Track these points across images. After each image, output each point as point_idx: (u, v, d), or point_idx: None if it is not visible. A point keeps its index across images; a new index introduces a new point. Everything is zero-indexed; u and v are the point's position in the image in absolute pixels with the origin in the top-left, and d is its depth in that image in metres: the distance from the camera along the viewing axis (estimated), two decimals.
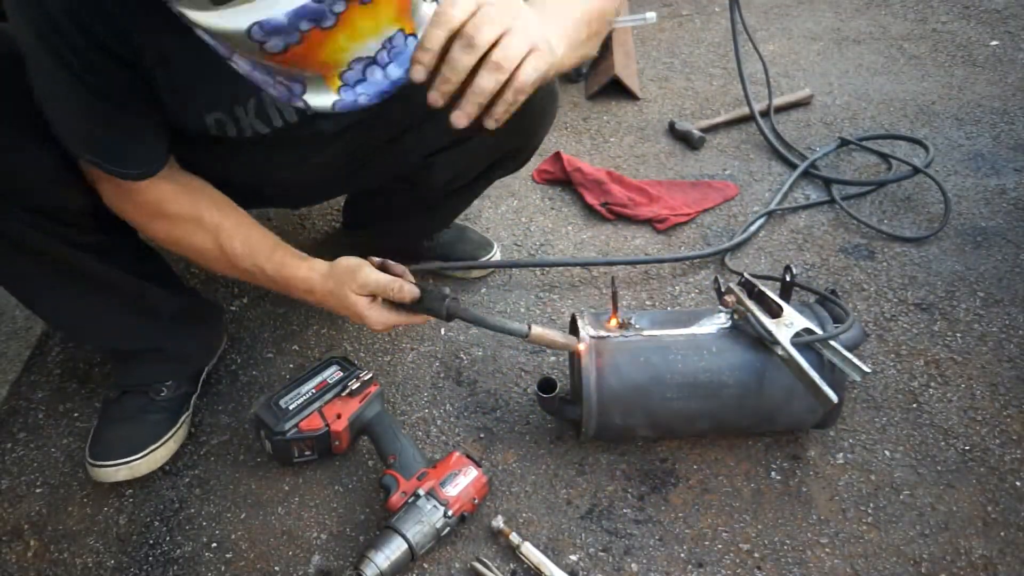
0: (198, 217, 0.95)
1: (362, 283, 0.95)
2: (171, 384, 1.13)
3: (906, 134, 1.79)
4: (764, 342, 0.99)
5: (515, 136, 1.15)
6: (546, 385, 1.06)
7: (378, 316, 0.98)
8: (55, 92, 0.80)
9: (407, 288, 0.96)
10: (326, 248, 1.53)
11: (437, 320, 1.00)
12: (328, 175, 1.15)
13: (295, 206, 1.50)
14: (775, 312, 1.00)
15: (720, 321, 1.06)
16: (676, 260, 1.47)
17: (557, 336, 0.99)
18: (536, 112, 1.11)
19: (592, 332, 1.04)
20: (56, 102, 0.82)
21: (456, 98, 0.71)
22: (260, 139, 0.96)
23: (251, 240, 0.97)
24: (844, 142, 1.76)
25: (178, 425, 1.13)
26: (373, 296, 0.97)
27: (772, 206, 1.58)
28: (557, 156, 1.74)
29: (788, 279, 1.06)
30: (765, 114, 1.91)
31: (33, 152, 0.85)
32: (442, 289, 1.00)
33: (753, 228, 1.52)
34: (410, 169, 1.18)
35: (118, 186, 0.89)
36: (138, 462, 1.07)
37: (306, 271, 0.98)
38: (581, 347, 1.01)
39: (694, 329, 1.05)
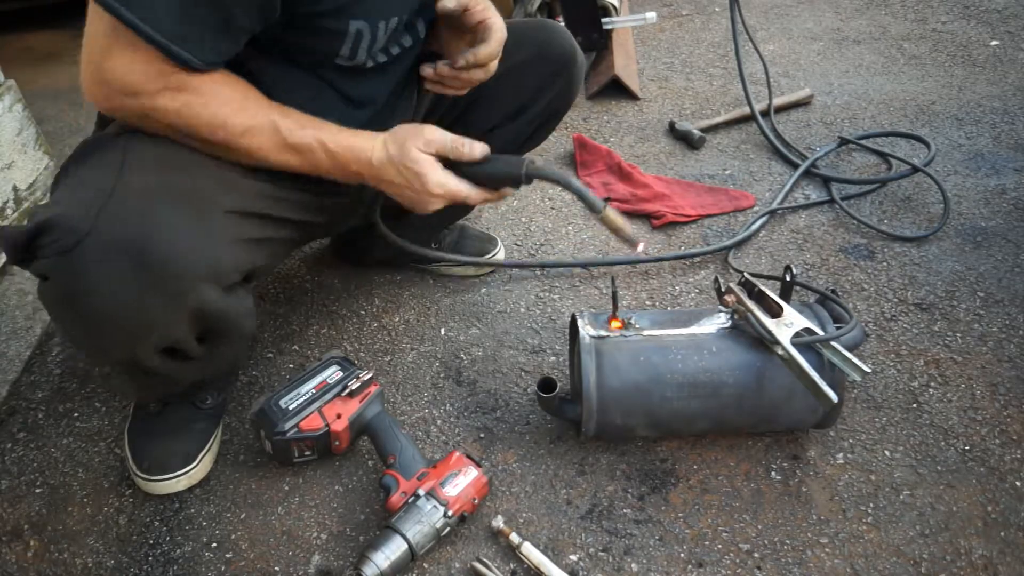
0: (245, 95, 0.87)
1: (428, 139, 0.92)
2: (215, 392, 1.13)
3: (906, 131, 1.79)
4: (764, 342, 0.99)
5: (560, 98, 1.24)
6: (546, 385, 1.06)
7: (444, 179, 0.93)
8: None
9: (477, 146, 0.93)
10: (323, 264, 1.53)
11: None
12: None
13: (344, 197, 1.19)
14: (775, 312, 1.00)
15: (720, 321, 1.06)
16: (677, 258, 1.47)
17: (626, 225, 0.95)
18: (576, 78, 1.24)
19: (592, 332, 1.04)
20: None
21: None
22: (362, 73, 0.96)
23: (303, 116, 0.91)
24: (844, 141, 1.76)
25: (219, 427, 1.14)
26: (439, 158, 0.94)
27: (774, 205, 1.58)
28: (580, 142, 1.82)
29: (788, 279, 1.06)
30: (765, 114, 1.92)
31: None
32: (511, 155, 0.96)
33: (755, 227, 1.52)
34: None
35: (161, 70, 0.79)
36: (194, 471, 1.07)
37: (366, 137, 0.93)
38: (640, 247, 0.98)
39: (694, 329, 1.05)
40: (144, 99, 0.81)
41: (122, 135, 0.87)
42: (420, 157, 0.92)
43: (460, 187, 0.95)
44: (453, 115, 1.20)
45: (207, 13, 0.76)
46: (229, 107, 0.85)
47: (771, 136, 1.81)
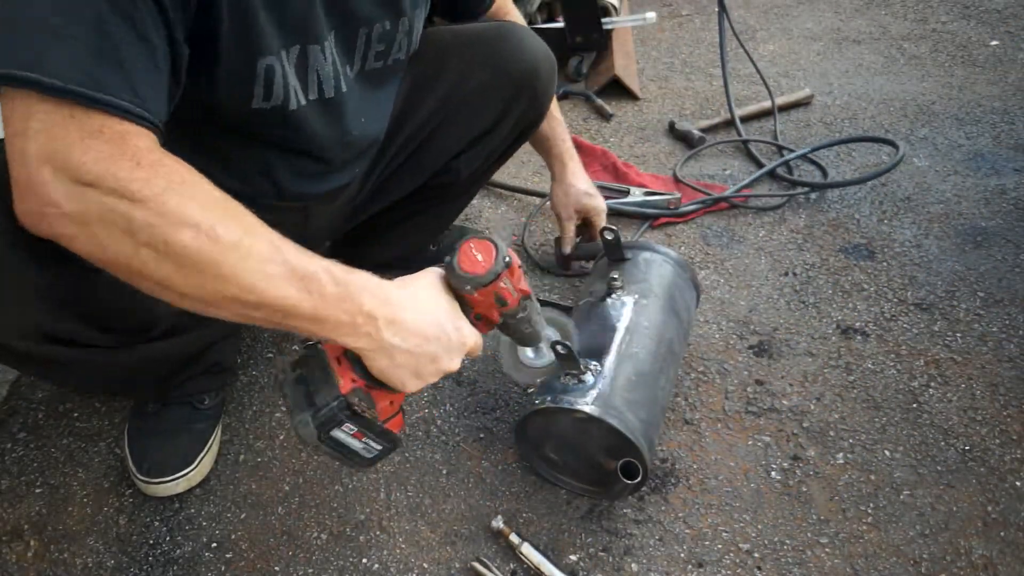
0: (233, 201, 0.64)
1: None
2: (213, 392, 1.13)
3: (874, 135, 1.80)
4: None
5: (526, 116, 1.18)
6: (629, 469, 0.93)
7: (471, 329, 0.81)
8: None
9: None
10: None
11: None
12: (352, 195, 1.11)
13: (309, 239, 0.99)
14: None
15: (621, 299, 1.08)
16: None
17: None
18: (542, 93, 1.16)
19: (587, 400, 0.94)
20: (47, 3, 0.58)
21: None
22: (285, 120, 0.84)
23: (299, 246, 0.68)
24: (814, 148, 1.73)
25: (218, 428, 1.14)
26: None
27: (727, 193, 1.63)
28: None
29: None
30: (767, 114, 1.92)
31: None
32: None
33: (691, 208, 1.59)
34: (434, 173, 1.19)
35: (122, 139, 0.60)
36: (193, 473, 1.07)
37: (372, 276, 0.72)
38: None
39: (624, 324, 1.05)
40: (100, 185, 0.57)
41: None
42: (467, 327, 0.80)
43: (479, 340, 0.83)
44: (413, 145, 1.14)
45: (120, 36, 0.60)
46: (212, 206, 0.62)
47: (767, 139, 1.81)
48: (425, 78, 1.10)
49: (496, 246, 0.79)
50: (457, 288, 0.79)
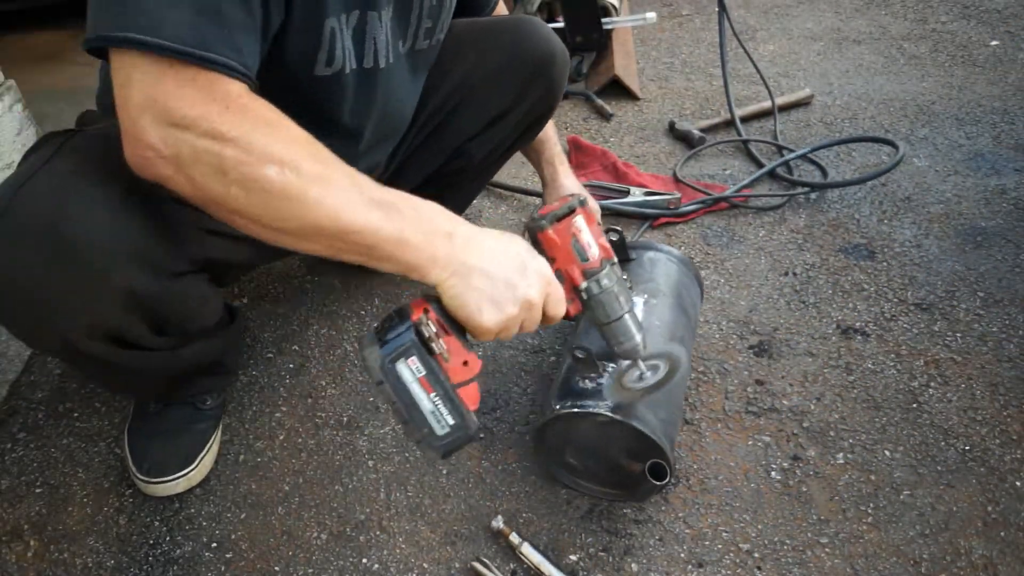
0: (311, 138, 0.70)
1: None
2: (215, 392, 1.13)
3: (874, 135, 1.80)
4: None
5: (541, 102, 1.19)
6: (657, 471, 0.91)
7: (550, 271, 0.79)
8: None
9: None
10: (323, 264, 1.53)
11: None
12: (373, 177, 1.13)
13: None
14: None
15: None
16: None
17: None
18: (556, 81, 1.19)
19: (607, 404, 0.92)
20: None
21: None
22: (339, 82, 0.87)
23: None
24: (814, 148, 1.74)
25: (218, 428, 1.14)
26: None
27: (726, 194, 1.63)
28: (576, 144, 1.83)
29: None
30: (767, 115, 1.92)
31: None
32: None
33: (691, 208, 1.59)
34: (448, 158, 1.22)
35: (212, 87, 0.65)
36: (193, 473, 1.07)
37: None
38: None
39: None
40: (193, 128, 0.64)
41: (75, 131, 0.83)
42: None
43: (556, 286, 0.80)
44: (431, 126, 1.17)
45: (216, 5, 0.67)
46: (295, 144, 0.67)
47: (774, 139, 1.81)
48: (445, 60, 1.12)
49: (571, 200, 0.83)
50: (534, 229, 0.80)
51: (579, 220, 0.82)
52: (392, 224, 0.69)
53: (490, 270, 0.73)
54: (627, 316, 0.88)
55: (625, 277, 0.89)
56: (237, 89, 0.67)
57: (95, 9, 0.66)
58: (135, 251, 0.77)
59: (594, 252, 0.82)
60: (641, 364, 0.92)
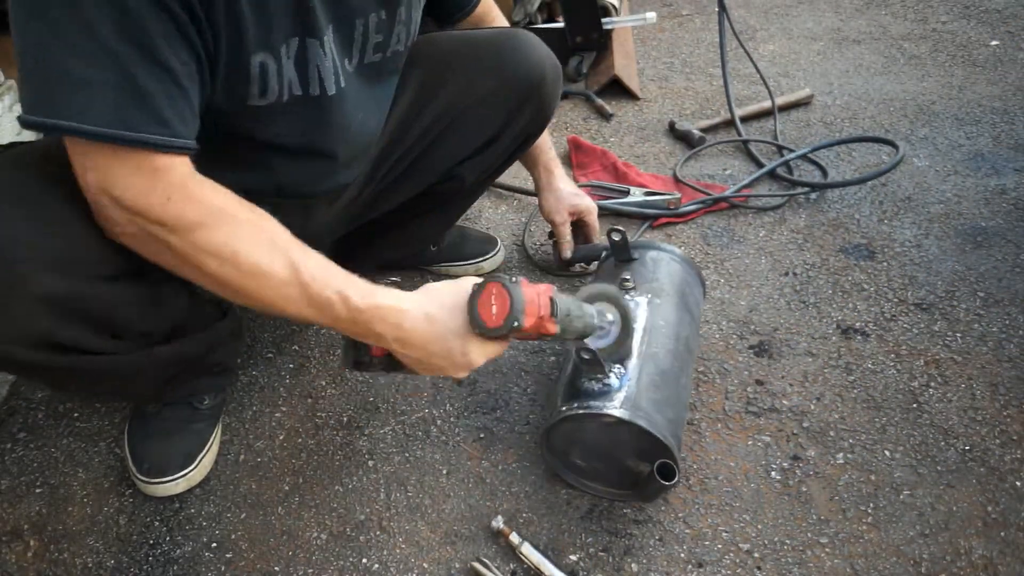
0: (258, 223, 0.75)
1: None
2: (214, 392, 1.13)
3: (874, 135, 1.80)
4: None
5: (532, 123, 1.18)
6: (666, 471, 0.92)
7: (491, 349, 0.84)
8: (68, 45, 0.64)
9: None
10: None
11: None
12: (354, 196, 1.11)
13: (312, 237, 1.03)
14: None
15: (635, 300, 1.07)
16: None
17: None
18: (547, 101, 1.16)
19: (615, 404, 0.93)
20: (70, 55, 0.64)
21: None
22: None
23: (323, 260, 0.79)
24: (814, 149, 1.74)
25: (217, 428, 1.14)
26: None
27: (726, 194, 1.62)
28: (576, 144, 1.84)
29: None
30: (767, 115, 1.92)
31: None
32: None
33: (691, 208, 1.59)
34: (440, 179, 1.20)
35: (154, 174, 0.70)
36: (193, 473, 1.07)
37: (392, 295, 0.81)
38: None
39: (641, 324, 1.04)
40: (144, 215, 0.70)
41: (18, 142, 0.82)
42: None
43: (500, 349, 0.86)
44: (418, 150, 1.13)
45: (138, 69, 0.67)
46: (236, 234, 0.73)
47: (774, 140, 1.81)
48: (431, 83, 1.09)
49: (512, 305, 0.78)
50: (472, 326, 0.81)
51: (516, 336, 0.81)
52: (326, 319, 0.79)
53: (421, 359, 0.84)
54: (594, 331, 0.94)
55: (628, 278, 0.95)
56: (180, 172, 0.71)
57: (27, 88, 0.66)
58: (55, 257, 0.73)
59: (535, 337, 0.85)
60: (593, 316, 0.92)
